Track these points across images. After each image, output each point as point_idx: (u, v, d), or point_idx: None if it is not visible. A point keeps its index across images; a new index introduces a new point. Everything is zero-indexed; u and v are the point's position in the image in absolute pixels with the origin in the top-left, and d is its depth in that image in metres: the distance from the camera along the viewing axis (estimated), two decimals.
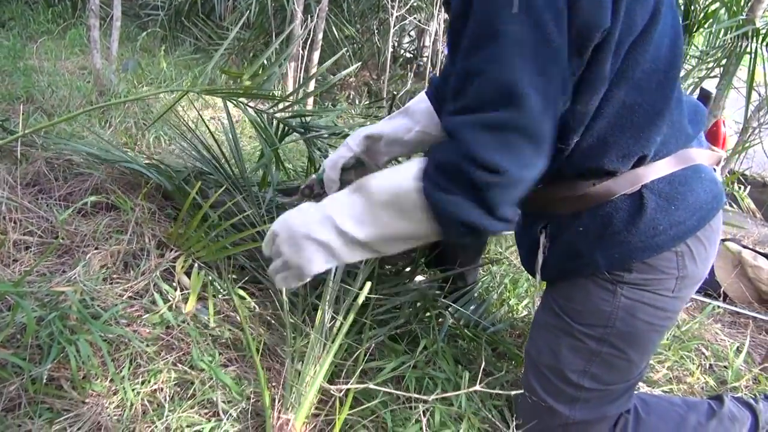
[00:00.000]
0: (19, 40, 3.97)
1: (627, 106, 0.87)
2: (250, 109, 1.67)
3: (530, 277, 1.43)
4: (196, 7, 4.73)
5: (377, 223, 0.85)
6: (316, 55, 3.60)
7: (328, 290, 1.21)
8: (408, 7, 3.37)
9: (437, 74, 1.35)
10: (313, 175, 1.26)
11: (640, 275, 0.94)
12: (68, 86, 2.91)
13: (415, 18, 3.75)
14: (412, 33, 5.95)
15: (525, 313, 1.69)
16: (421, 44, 6.02)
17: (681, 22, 1.04)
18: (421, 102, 1.24)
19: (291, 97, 1.73)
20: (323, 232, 0.87)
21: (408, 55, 5.85)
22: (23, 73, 2.98)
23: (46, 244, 1.41)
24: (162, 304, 1.22)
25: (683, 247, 0.94)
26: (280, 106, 1.74)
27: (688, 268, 0.95)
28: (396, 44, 5.04)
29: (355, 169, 1.25)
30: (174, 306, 1.24)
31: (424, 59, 5.90)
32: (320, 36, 3.69)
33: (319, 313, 1.18)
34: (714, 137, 1.07)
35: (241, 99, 1.63)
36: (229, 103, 1.69)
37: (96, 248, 1.37)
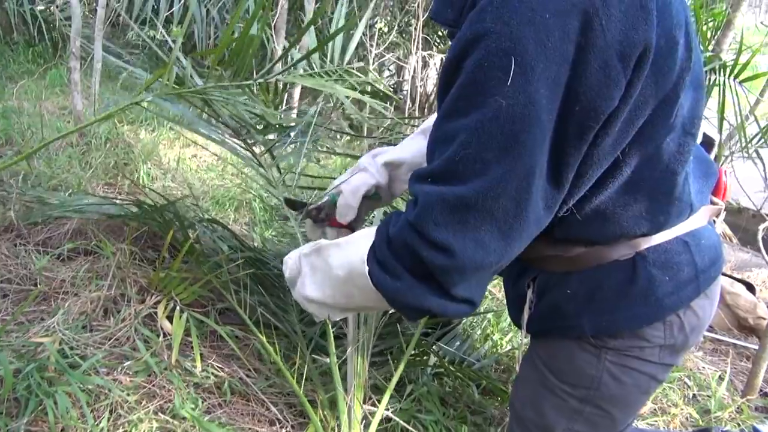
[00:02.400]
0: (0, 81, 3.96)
1: (633, 182, 0.79)
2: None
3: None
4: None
5: (342, 293, 0.86)
6: (296, 92, 3.64)
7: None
8: (387, 44, 3.44)
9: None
10: (325, 197, 1.12)
11: (626, 342, 0.88)
12: (48, 127, 2.90)
13: (392, 55, 3.83)
14: (392, 68, 6.06)
15: (509, 348, 1.69)
16: (401, 78, 6.13)
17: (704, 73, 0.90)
18: None
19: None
20: (297, 294, 0.90)
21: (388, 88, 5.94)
22: (2, 115, 2.96)
23: (24, 291, 1.39)
24: (144, 351, 1.20)
25: (673, 317, 0.87)
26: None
27: (676, 338, 0.89)
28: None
29: (370, 198, 1.14)
30: (156, 352, 1.22)
31: (404, 93, 6.00)
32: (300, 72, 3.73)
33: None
34: (715, 189, 1.01)
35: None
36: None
37: (75, 294, 1.36)
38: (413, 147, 1.17)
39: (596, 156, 0.75)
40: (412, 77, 3.49)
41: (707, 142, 1.18)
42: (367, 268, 0.79)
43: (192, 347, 1.27)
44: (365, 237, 0.85)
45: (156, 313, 1.32)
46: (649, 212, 0.83)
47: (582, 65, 0.68)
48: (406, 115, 3.78)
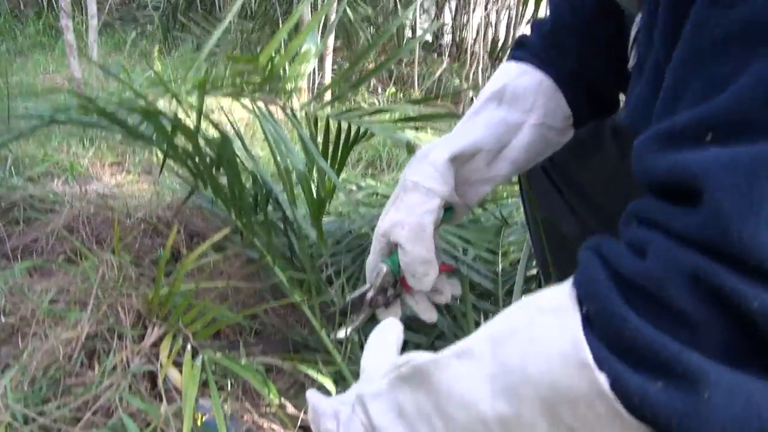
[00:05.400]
0: (6, 56, 3.64)
1: None
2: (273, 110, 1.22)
3: None
4: (194, 3, 4.32)
5: None
6: (330, 40, 3.15)
7: None
8: None
9: (531, 26, 0.79)
10: (382, 266, 0.70)
11: None
12: (49, 101, 2.52)
13: None
14: (431, 11, 5.45)
15: None
16: (442, 21, 5.51)
17: None
18: (521, 75, 0.70)
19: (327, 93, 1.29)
20: None
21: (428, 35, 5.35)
22: None
23: None
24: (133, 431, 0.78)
25: None
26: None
27: None
28: (414, 23, 4.57)
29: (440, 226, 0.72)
30: (158, 429, 0.80)
31: (446, 37, 5.39)
32: (333, 19, 3.24)
33: None
34: None
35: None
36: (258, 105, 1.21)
37: (47, 330, 0.95)
38: (487, 122, 0.69)
39: None
40: (454, 17, 2.92)
41: None
42: (601, 376, 0.32)
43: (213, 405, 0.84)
44: (538, 310, 0.37)
45: (158, 355, 0.89)
46: None
47: None
48: (455, 65, 3.20)
